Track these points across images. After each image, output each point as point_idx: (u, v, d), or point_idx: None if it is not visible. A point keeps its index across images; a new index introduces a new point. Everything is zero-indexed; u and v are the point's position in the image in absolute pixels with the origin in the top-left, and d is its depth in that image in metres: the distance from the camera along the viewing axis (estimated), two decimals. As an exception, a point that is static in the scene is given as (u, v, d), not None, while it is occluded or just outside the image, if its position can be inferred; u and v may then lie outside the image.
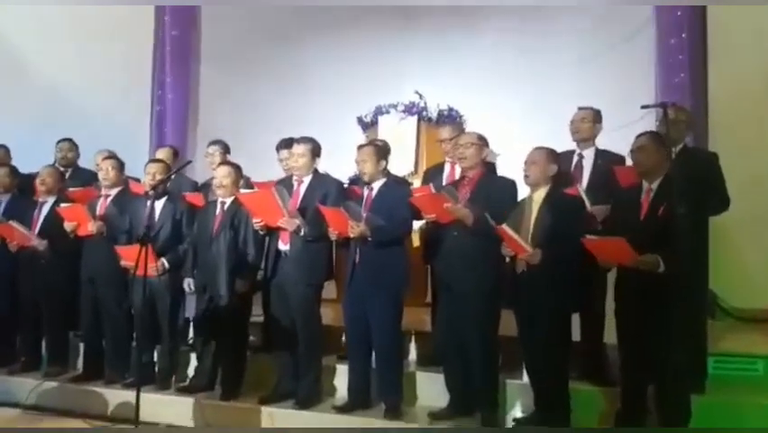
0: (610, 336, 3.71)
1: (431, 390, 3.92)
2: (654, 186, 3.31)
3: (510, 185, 3.68)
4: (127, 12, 7.13)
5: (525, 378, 3.73)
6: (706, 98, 5.62)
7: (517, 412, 3.77)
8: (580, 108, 4.06)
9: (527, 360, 3.65)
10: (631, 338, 3.33)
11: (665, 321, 3.12)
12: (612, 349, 3.72)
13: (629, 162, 3.60)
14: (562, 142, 4.01)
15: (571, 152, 4.01)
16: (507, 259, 3.51)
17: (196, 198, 4.61)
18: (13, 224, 4.50)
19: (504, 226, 3.34)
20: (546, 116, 4.36)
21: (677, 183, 3.12)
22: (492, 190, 3.63)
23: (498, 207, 3.48)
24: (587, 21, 6.34)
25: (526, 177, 3.54)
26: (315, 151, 4.04)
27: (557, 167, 3.53)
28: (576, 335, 3.68)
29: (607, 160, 3.92)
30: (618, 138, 4.13)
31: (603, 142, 4.09)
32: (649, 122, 4.22)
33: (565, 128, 4.09)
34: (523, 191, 3.70)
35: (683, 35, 5.81)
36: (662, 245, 3.09)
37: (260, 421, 3.84)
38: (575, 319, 3.64)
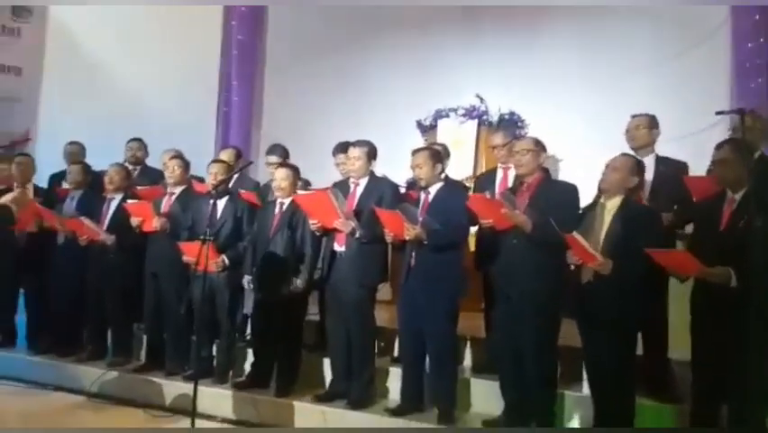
0: (674, 350, 3.57)
1: (486, 397, 3.86)
2: (738, 196, 3.15)
3: (571, 190, 3.57)
4: (196, 16, 7.36)
5: (586, 390, 3.61)
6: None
7: (575, 424, 3.66)
8: (633, 116, 3.93)
9: (589, 372, 3.54)
10: (704, 354, 3.18)
11: (740, 338, 2.96)
12: (676, 365, 3.57)
13: (693, 169, 3.45)
14: (628, 149, 3.89)
15: None
16: (573, 267, 3.40)
17: (251, 196, 4.69)
18: (84, 219, 4.69)
19: (575, 234, 3.21)
20: (612, 123, 4.23)
21: (757, 194, 2.97)
22: (552, 196, 3.53)
23: (558, 213, 3.36)
24: (657, 24, 6.14)
25: (603, 181, 3.40)
26: (371, 153, 4.05)
27: (638, 180, 3.40)
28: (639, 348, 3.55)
29: (668, 167, 3.79)
30: (690, 145, 3.98)
31: (672, 149, 3.95)
32: (721, 130, 4.05)
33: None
34: (584, 197, 3.60)
35: (761, 39, 5.55)
36: (735, 258, 2.94)
37: (313, 420, 3.86)
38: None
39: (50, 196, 5.28)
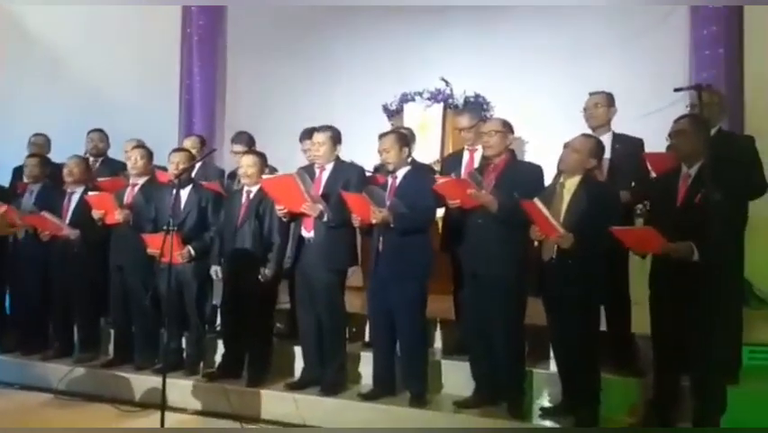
0: (637, 325, 3.63)
1: (457, 378, 3.89)
2: (693, 171, 3.21)
3: (537, 170, 3.61)
4: (156, 3, 7.19)
5: (553, 367, 3.67)
6: (741, 81, 5.44)
7: (545, 402, 3.73)
8: (591, 94, 3.97)
9: (555, 349, 3.61)
10: (665, 328, 3.25)
11: (700, 311, 3.03)
12: (640, 339, 3.64)
13: (654, 147, 3.50)
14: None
15: None
16: (536, 243, 3.43)
17: (214, 186, 4.63)
18: (46, 214, 4.57)
19: (535, 201, 3.23)
20: (575, 103, 4.26)
21: (713, 168, 3.02)
22: (518, 176, 3.56)
23: (524, 192, 3.38)
24: (617, 2, 6.18)
25: (561, 161, 3.45)
26: (335, 138, 4.02)
27: (597, 162, 3.44)
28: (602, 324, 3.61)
29: (625, 144, 3.84)
30: (652, 123, 4.02)
31: (634, 129, 3.99)
32: (680, 108, 4.10)
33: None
34: (549, 178, 3.63)
35: (714, 28, 5.61)
36: (697, 233, 3.00)
37: (285, 408, 3.85)
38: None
39: (13, 190, 5.15)
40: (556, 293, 3.37)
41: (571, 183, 3.41)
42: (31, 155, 5.10)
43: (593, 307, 3.39)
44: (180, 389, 4.03)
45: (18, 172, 5.32)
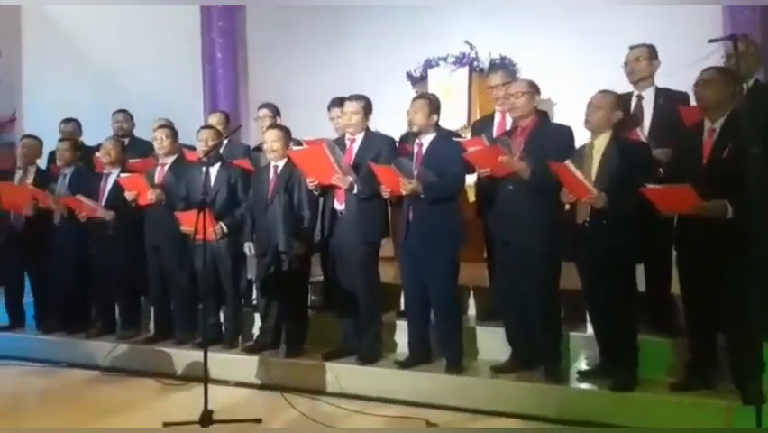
0: (677, 286, 3.57)
1: (492, 344, 3.91)
2: (718, 126, 3.10)
3: (567, 132, 3.54)
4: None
5: (590, 330, 3.65)
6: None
7: (582, 365, 3.72)
8: (632, 47, 3.82)
9: (591, 313, 3.58)
10: (696, 287, 3.20)
11: (733, 268, 2.97)
12: (680, 299, 3.59)
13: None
14: (624, 84, 3.81)
15: (629, 94, 3.80)
16: (567, 206, 3.38)
17: (242, 163, 4.65)
18: (80, 197, 4.66)
19: (567, 163, 3.17)
20: (606, 58, 4.14)
21: (749, 121, 2.90)
22: (547, 139, 3.50)
23: (554, 156, 3.31)
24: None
25: (587, 122, 3.37)
26: (368, 108, 4.00)
27: (621, 113, 3.35)
28: (641, 285, 3.57)
29: (669, 98, 3.70)
30: (686, 77, 3.89)
31: (668, 83, 3.86)
32: (716, 60, 3.96)
33: (627, 70, 3.87)
34: (580, 138, 3.56)
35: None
36: (729, 190, 2.90)
37: (323, 377, 3.92)
38: (640, 270, 3.52)
39: (48, 174, 5.26)
40: (590, 256, 3.33)
41: (600, 142, 3.34)
42: (62, 139, 5.18)
43: (628, 268, 3.34)
44: (220, 362, 4.12)
45: (53, 157, 5.42)
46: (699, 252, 3.12)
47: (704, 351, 3.27)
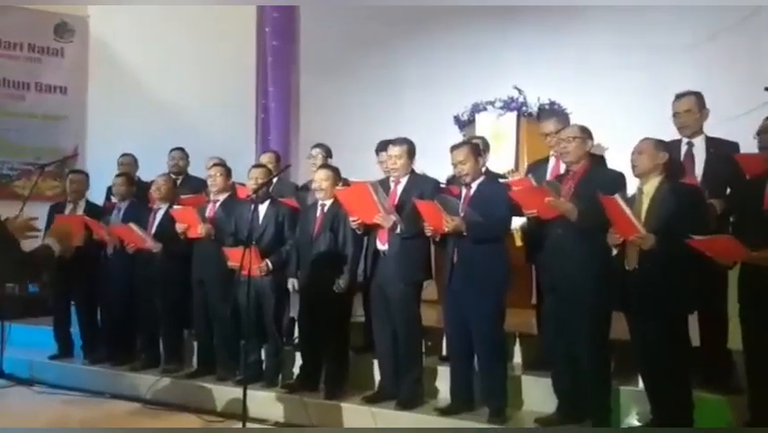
0: (735, 340, 3.41)
1: (538, 394, 3.78)
2: None
3: (618, 177, 3.46)
4: (230, 26, 7.49)
5: (641, 384, 3.49)
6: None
7: (633, 421, 3.55)
8: (678, 96, 3.70)
9: (641, 365, 3.43)
10: (758, 342, 3.05)
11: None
12: (738, 355, 3.42)
13: (745, 150, 3.29)
14: (675, 131, 3.74)
15: (678, 141, 3.69)
16: (615, 251, 3.28)
17: (290, 202, 4.71)
18: (132, 226, 4.78)
19: (616, 197, 3.09)
20: (656, 106, 4.09)
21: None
22: (598, 183, 3.42)
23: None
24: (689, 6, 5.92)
25: (634, 168, 3.32)
26: (411, 151, 4.03)
27: (667, 154, 3.28)
28: (696, 339, 3.41)
29: (719, 148, 3.59)
30: (739, 127, 3.79)
31: (721, 132, 3.77)
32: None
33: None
34: (633, 186, 3.48)
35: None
36: None
37: (363, 421, 3.85)
38: (694, 324, 3.38)
39: (104, 208, 5.41)
40: (639, 304, 3.21)
41: (650, 187, 3.26)
42: (118, 175, 5.36)
43: (680, 318, 3.21)
44: (260, 400, 4.10)
45: (110, 191, 5.60)
46: (759, 303, 2.98)
47: (764, 409, 3.08)
